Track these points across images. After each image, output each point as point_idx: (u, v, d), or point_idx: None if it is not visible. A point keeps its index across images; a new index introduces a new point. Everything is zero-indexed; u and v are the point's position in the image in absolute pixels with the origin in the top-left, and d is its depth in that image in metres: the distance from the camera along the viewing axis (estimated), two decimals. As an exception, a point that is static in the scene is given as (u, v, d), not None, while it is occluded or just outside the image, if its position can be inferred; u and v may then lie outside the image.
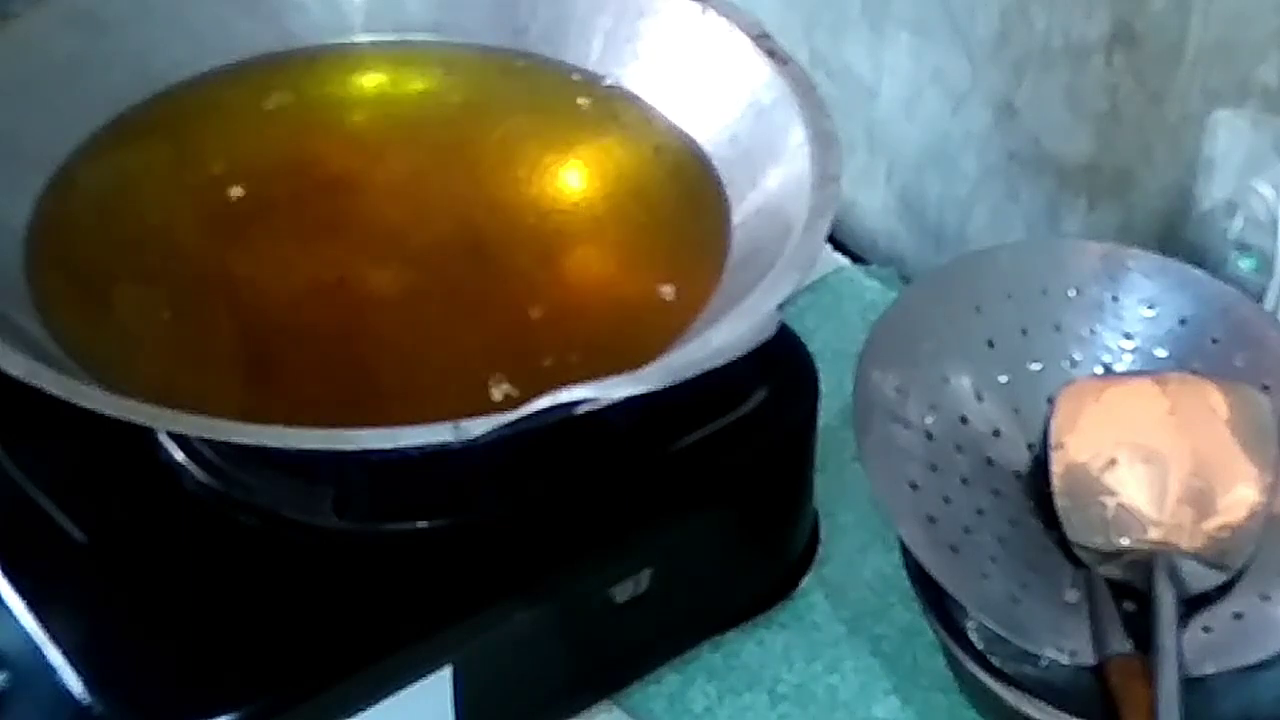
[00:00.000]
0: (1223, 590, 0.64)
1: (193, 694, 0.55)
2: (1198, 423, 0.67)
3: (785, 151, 0.65)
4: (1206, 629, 0.63)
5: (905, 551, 0.65)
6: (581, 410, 0.53)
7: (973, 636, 0.64)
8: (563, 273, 0.66)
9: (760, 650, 0.68)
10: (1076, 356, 0.72)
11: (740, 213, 0.66)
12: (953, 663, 0.65)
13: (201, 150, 0.70)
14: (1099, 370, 0.71)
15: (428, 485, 0.61)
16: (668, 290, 0.64)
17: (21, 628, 0.56)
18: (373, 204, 0.68)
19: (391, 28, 0.75)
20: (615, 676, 0.66)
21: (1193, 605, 0.63)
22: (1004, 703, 0.62)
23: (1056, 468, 0.68)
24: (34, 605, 0.57)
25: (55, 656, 0.55)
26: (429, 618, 0.58)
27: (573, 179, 0.70)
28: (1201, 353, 0.70)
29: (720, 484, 0.65)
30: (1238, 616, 0.63)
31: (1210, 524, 0.65)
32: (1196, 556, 0.64)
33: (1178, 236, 0.77)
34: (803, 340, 0.69)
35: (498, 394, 0.59)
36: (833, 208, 0.62)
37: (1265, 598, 0.63)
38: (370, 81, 0.74)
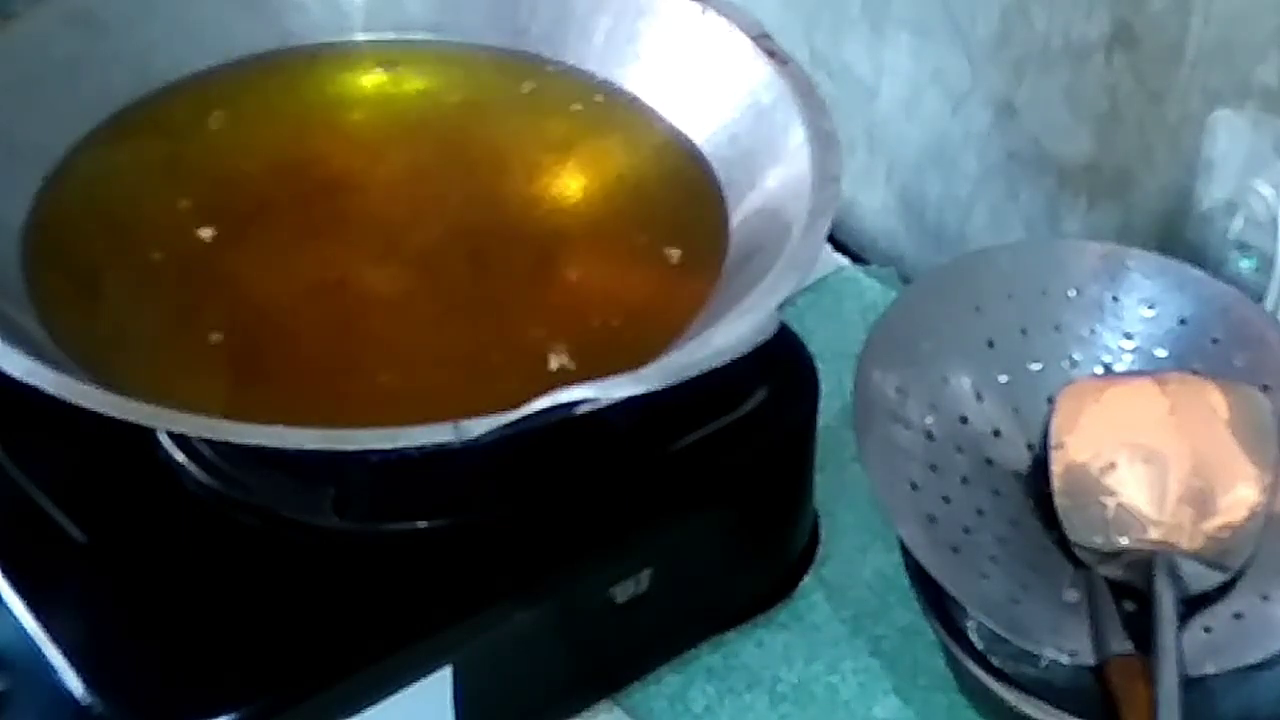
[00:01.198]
0: (1223, 590, 0.64)
1: (193, 694, 0.55)
2: (1198, 423, 0.67)
3: (785, 151, 0.65)
4: (1206, 629, 0.63)
5: (905, 551, 0.65)
6: (581, 410, 0.53)
7: (973, 636, 0.64)
8: (562, 272, 0.66)
9: (760, 650, 0.68)
10: (1076, 356, 0.72)
11: (740, 213, 0.66)
12: (953, 663, 0.65)
13: (200, 149, 0.70)
14: (1099, 370, 0.71)
15: (428, 485, 0.61)
16: (666, 290, 0.64)
17: (21, 628, 0.56)
18: (373, 203, 0.68)
19: (391, 28, 0.75)
20: (615, 676, 0.66)
21: (1193, 605, 0.63)
22: (1004, 703, 0.62)
23: (1056, 468, 0.68)
24: (34, 605, 0.57)
25: (55, 656, 0.55)
26: (429, 618, 0.58)
27: (572, 179, 0.70)
28: (1201, 353, 0.70)
29: (720, 484, 0.65)
30: (1238, 616, 0.63)
31: (1210, 524, 0.65)
32: (1196, 556, 0.64)
33: (1178, 236, 0.77)
34: (803, 340, 0.69)
35: (489, 397, 0.59)
36: (833, 208, 0.62)
37: (1265, 598, 0.63)
38: (370, 81, 0.74)
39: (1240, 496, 0.65)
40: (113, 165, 0.68)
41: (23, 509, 0.60)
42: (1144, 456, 0.67)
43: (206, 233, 0.65)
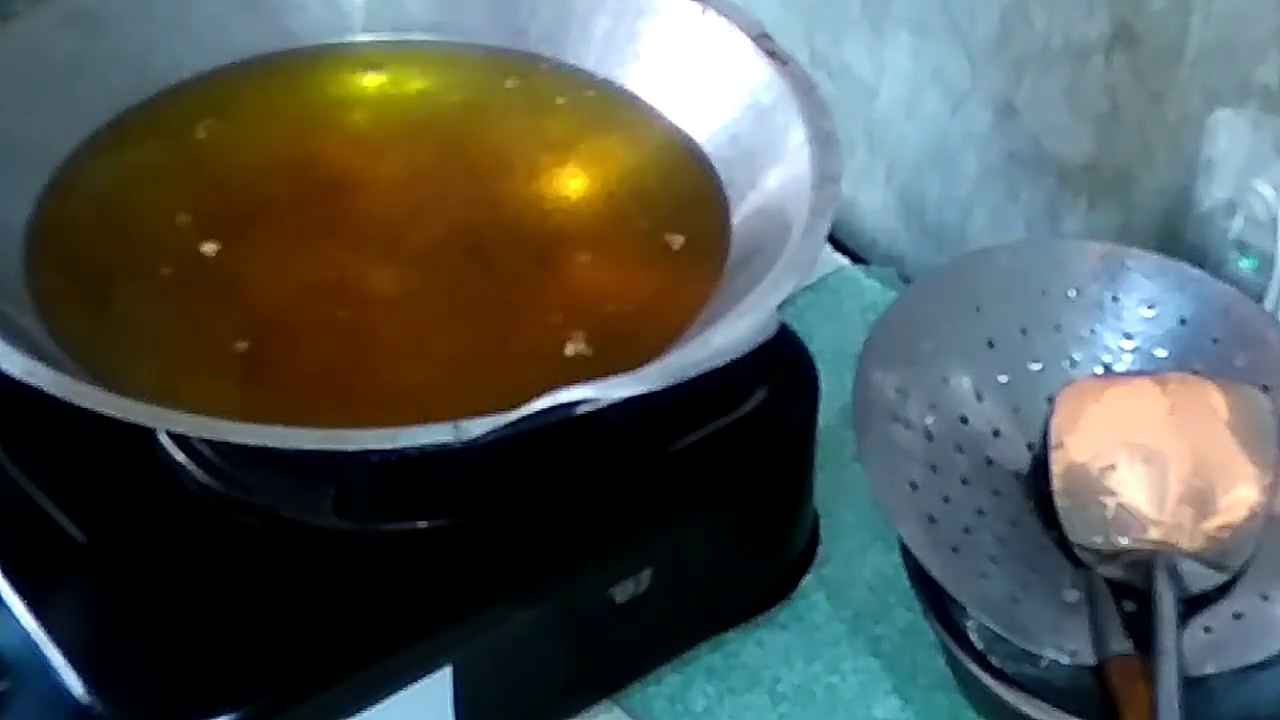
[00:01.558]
0: (1223, 590, 0.64)
1: (193, 694, 0.55)
2: (1198, 423, 0.67)
3: (785, 151, 0.65)
4: (1206, 629, 0.63)
5: (905, 551, 0.65)
6: (581, 410, 0.53)
7: (973, 636, 0.64)
8: (562, 272, 0.66)
9: (760, 650, 0.68)
10: (1076, 356, 0.72)
11: (740, 213, 0.66)
12: (953, 663, 0.65)
13: (201, 149, 0.70)
14: (1099, 370, 0.71)
15: (428, 485, 0.61)
16: (671, 281, 0.64)
17: (21, 628, 0.56)
18: (375, 203, 0.68)
19: (391, 28, 0.75)
20: (615, 676, 0.66)
21: (1193, 605, 0.63)
22: (1004, 703, 0.62)
23: (1056, 468, 0.68)
24: (34, 605, 0.57)
25: (55, 656, 0.55)
26: (429, 618, 0.58)
27: (572, 179, 0.70)
28: (1201, 353, 0.70)
29: (720, 484, 0.65)
30: (1238, 616, 0.63)
31: (1210, 524, 0.65)
32: (1196, 556, 0.64)
33: (1178, 236, 0.77)
34: (803, 340, 0.69)
35: (504, 391, 0.59)
36: (833, 208, 0.62)
37: (1265, 598, 0.63)
38: (370, 81, 0.74)
39: (1240, 496, 0.65)
40: (114, 166, 0.68)
41: (23, 509, 0.60)
42: (1144, 456, 0.67)
43: (208, 235, 0.65)
